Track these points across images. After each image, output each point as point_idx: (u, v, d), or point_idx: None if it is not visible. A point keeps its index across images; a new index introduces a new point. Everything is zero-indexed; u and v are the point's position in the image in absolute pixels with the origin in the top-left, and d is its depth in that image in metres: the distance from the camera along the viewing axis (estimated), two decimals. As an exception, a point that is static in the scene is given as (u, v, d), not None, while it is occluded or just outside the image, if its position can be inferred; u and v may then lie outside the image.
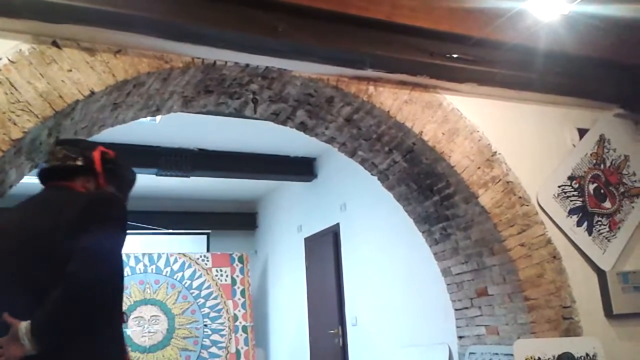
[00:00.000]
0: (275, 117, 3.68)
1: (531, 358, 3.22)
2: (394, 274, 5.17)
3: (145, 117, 3.38)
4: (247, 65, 3.07)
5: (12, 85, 2.48)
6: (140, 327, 6.47)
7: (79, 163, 1.96)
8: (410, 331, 4.83)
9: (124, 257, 2.09)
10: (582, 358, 3.35)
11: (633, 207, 3.94)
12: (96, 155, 1.99)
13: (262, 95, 3.39)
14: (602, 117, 4.09)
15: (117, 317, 1.83)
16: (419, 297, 4.73)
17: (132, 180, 2.15)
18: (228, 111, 3.60)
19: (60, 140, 2.27)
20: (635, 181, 4.02)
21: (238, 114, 3.67)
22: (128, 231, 1.83)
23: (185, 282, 6.58)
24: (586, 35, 3.55)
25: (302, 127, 3.78)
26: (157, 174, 6.06)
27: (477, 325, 3.83)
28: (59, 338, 1.64)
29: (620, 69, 3.96)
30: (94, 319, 1.68)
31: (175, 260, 6.63)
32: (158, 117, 4.58)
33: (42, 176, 2.03)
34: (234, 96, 3.38)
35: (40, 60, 2.57)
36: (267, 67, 3.12)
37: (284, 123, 3.76)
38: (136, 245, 7.12)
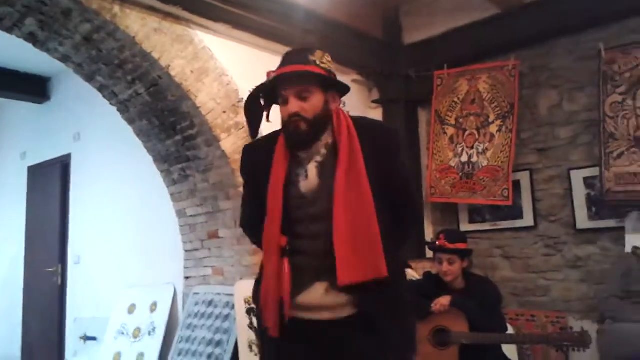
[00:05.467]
0: (-3, 22, 3.10)
1: (250, 298, 3.38)
2: (127, 213, 4.92)
3: None
4: (-42, -53, 2.50)
5: None
6: None
7: None
8: (137, 271, 4.69)
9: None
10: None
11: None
12: None
13: (-21, -10, 2.82)
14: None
15: None
16: (150, 237, 4.60)
17: None
18: None
19: None
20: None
21: (-55, 8, 2.99)
22: None
23: None
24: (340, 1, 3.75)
25: (32, 38, 3.27)
26: None
27: (204, 267, 3.90)
28: None
29: (361, 37, 4.29)
30: None
31: None
32: None
33: None
34: (-62, -17, 2.74)
35: None
36: (-14, -45, 2.58)
37: (9, 31, 3.21)
38: None
